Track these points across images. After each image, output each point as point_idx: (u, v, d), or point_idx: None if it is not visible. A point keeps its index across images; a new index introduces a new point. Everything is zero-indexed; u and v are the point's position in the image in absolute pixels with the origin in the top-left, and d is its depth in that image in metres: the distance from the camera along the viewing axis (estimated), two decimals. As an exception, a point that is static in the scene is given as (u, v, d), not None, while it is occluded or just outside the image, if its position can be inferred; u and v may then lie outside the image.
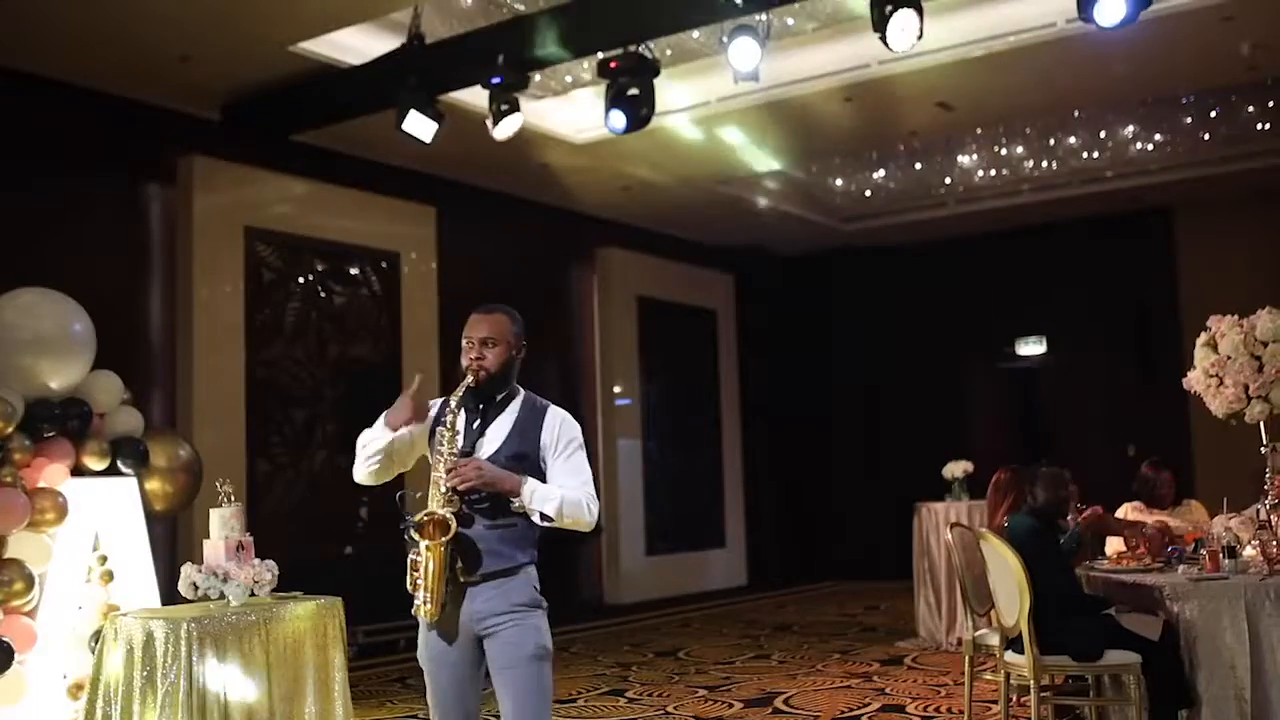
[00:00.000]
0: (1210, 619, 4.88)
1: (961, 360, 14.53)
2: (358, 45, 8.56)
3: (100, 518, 6.04)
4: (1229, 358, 5.42)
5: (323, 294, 10.21)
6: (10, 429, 5.80)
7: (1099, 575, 5.69)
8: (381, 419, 3.92)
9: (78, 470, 6.09)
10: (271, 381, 9.68)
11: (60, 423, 6.05)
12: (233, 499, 5.12)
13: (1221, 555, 5.21)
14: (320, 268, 10.21)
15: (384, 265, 10.71)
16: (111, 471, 6.24)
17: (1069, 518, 6.02)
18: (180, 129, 9.21)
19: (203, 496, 6.47)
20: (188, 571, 4.93)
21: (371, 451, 3.93)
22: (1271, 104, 11.02)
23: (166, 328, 9.10)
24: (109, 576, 5.86)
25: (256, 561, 5.00)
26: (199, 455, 6.90)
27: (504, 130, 8.10)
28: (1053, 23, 8.33)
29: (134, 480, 6.31)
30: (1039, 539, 5.47)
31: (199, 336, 9.08)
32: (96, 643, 5.05)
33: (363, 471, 3.96)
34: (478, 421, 3.91)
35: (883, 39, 6.82)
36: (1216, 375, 5.51)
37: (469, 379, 3.90)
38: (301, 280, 10.06)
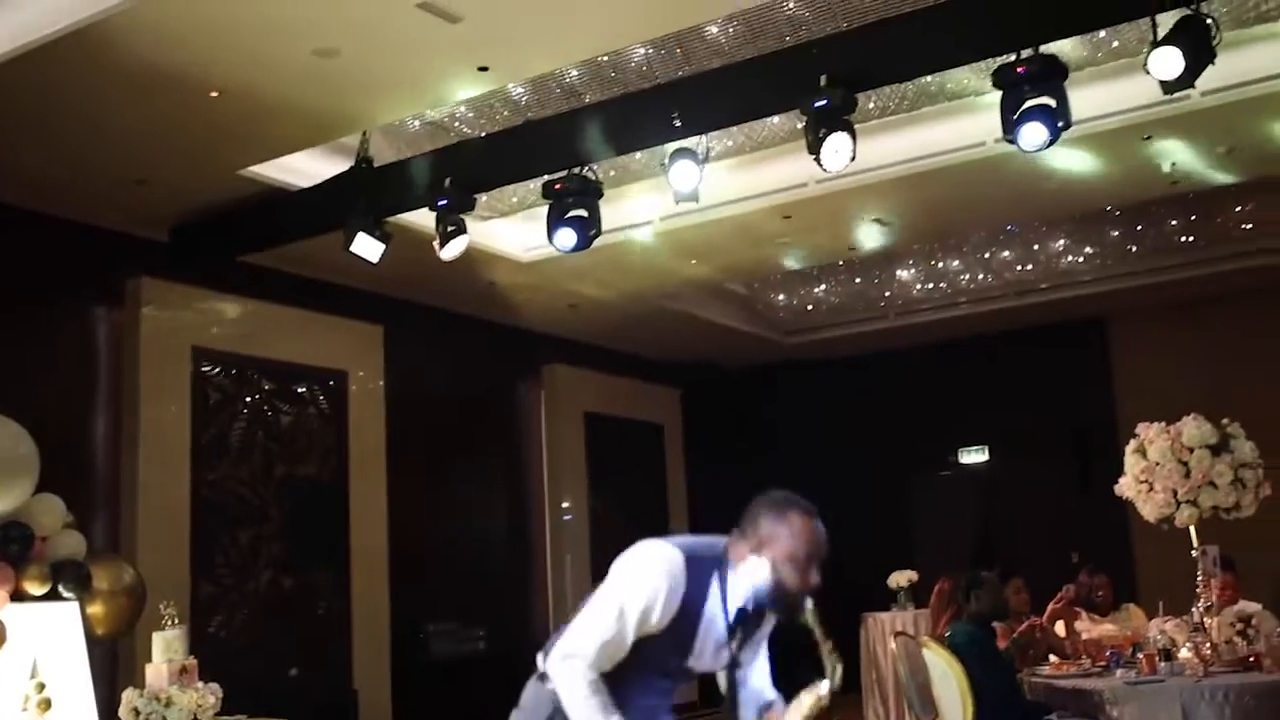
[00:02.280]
0: (1148, 721, 4.96)
1: (905, 470, 14.67)
2: (307, 168, 8.70)
3: (39, 644, 5.96)
4: (1157, 464, 5.57)
5: (269, 413, 10.21)
6: (-49, 553, 5.75)
7: (1040, 681, 5.77)
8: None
9: (17, 595, 6.03)
10: (217, 502, 9.61)
11: (0, 546, 6.00)
12: (176, 621, 5.10)
13: (1158, 658, 5.31)
14: (267, 387, 10.22)
15: (331, 384, 10.73)
16: (52, 596, 6.18)
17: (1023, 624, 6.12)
18: (129, 251, 9.26)
19: (145, 619, 6.42)
20: (129, 697, 4.90)
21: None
22: (1194, 217, 11.41)
23: (111, 449, 9.05)
24: (46, 705, 5.77)
25: (200, 685, 4.98)
26: (142, 578, 6.85)
27: (451, 251, 8.22)
28: (982, 142, 8.61)
29: (75, 605, 6.25)
30: (980, 646, 5.54)
31: (144, 457, 9.03)
32: (35, 770, 4.98)
33: (561, 700, 3.15)
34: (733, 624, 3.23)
35: (817, 161, 7.04)
36: (1147, 481, 5.66)
37: (800, 613, 3.18)
38: (248, 400, 10.06)
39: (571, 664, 3.08)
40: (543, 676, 3.21)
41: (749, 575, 3.14)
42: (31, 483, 6.27)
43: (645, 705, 3.12)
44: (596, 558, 13.40)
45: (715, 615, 3.17)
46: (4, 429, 6.24)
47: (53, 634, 6.06)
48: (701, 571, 3.14)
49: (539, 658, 3.27)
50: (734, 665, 3.26)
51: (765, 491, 3.32)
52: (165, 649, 4.97)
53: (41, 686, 5.80)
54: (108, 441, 9.05)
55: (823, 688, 3.12)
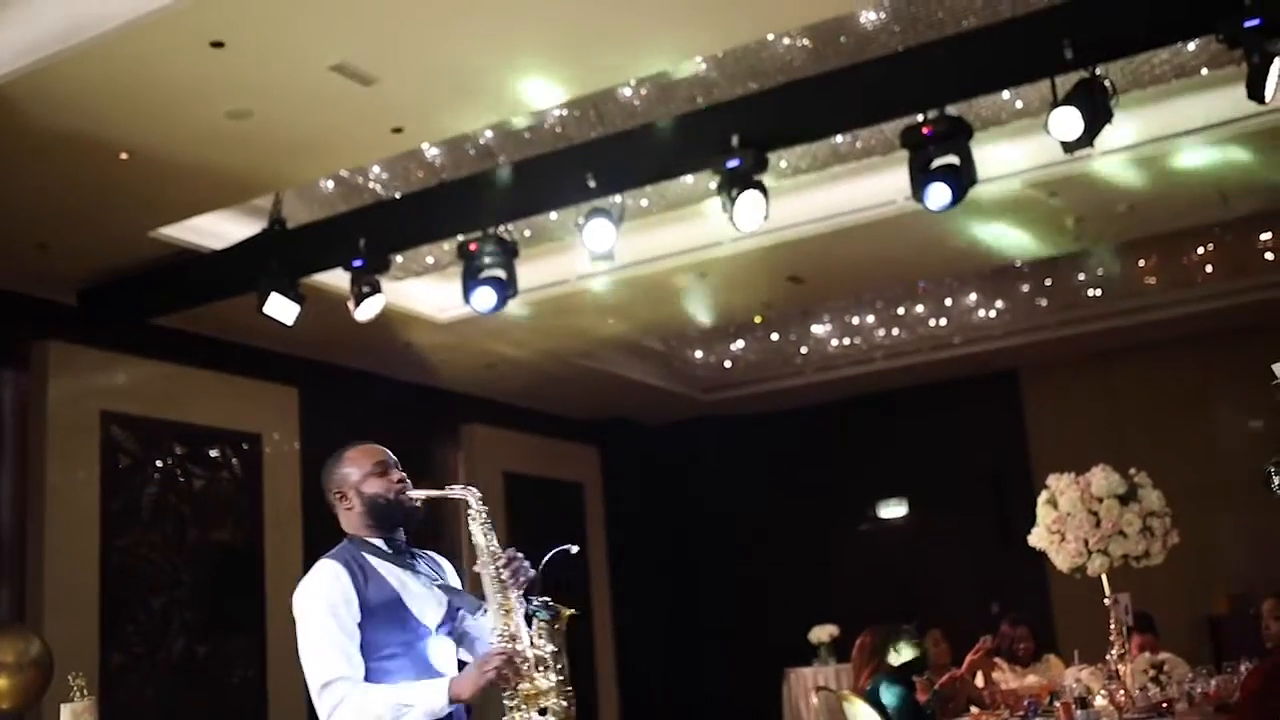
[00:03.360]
0: (1066, 770, 5.01)
1: (825, 524, 14.74)
2: (219, 230, 8.63)
3: (-58, 719, 5.79)
4: (1068, 514, 5.68)
5: (181, 478, 10.03)
6: None
7: (961, 733, 5.81)
8: (443, 692, 3.23)
9: (-81, 669, 5.86)
10: (127, 569, 9.40)
11: (-98, 619, 5.83)
12: (86, 693, 4.99)
13: (1074, 707, 5.38)
14: (179, 451, 10.04)
15: (244, 447, 10.58)
16: (-45, 670, 6.02)
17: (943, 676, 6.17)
18: (34, 314, 9.10)
19: (53, 691, 6.26)
20: (36, 770, 4.76)
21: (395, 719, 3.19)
22: (1100, 271, 11.70)
23: (16, 515, 8.83)
24: (-50, 781, 5.60)
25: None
26: (50, 649, 6.68)
27: (366, 312, 8.19)
28: (892, 200, 8.78)
29: (-21, 678, 6.08)
30: (902, 699, 5.58)
31: (51, 523, 8.82)
32: None
33: None
34: (411, 564, 3.53)
35: (731, 219, 7.14)
36: (1058, 531, 5.76)
37: (410, 504, 3.53)
38: (160, 464, 9.87)
39: (328, 691, 3.21)
40: None
41: (361, 521, 3.49)
42: (-67, 553, 6.11)
43: (399, 666, 3.30)
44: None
45: (402, 577, 3.45)
46: (-96, 498, 6.09)
47: (-45, 709, 5.89)
48: (353, 558, 3.41)
49: None
50: (452, 607, 3.54)
51: None
52: (73, 722, 4.85)
53: (-57, 764, 5.63)
54: (13, 508, 8.83)
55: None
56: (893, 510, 14.80)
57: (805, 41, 7.34)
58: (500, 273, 7.99)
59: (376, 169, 8.48)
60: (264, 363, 10.56)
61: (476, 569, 3.46)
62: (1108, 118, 6.51)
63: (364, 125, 7.07)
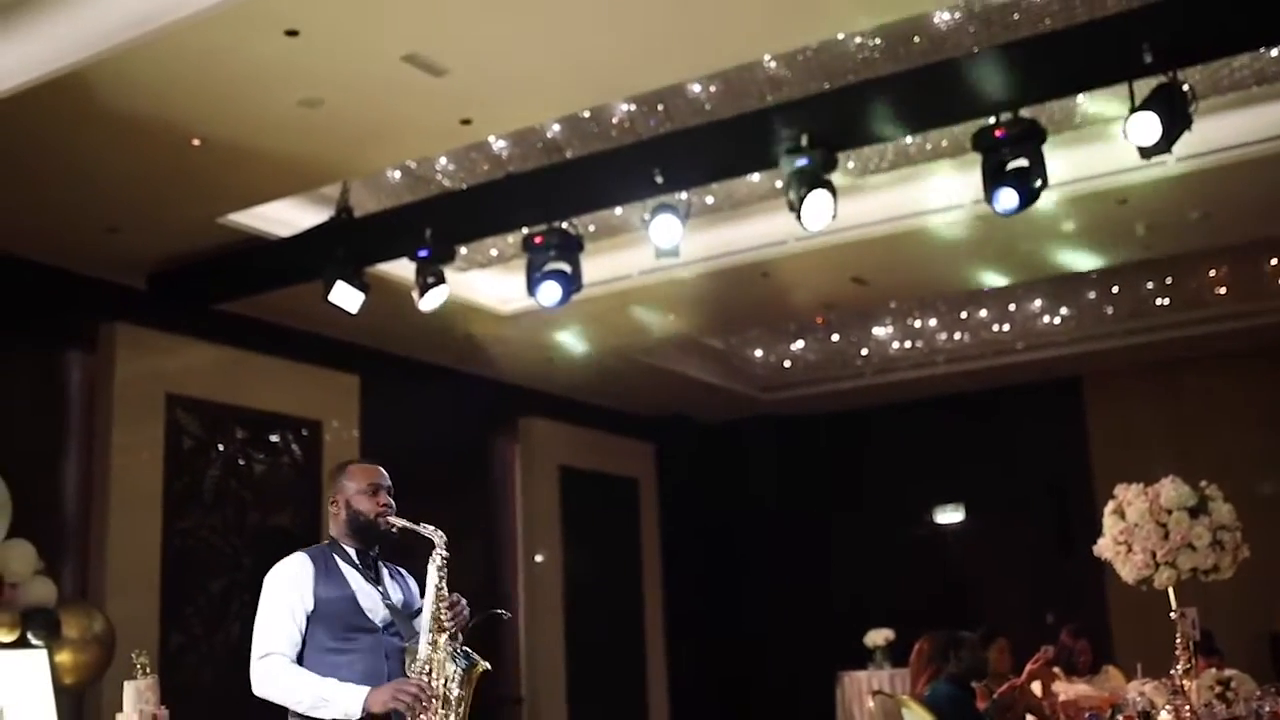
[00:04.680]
0: (1128, 785, 4.93)
1: (881, 528, 14.64)
2: (286, 217, 8.70)
3: (7, 692, 5.88)
4: (1136, 525, 5.58)
5: (243, 462, 10.13)
6: (-82, 600, 5.68)
7: (1019, 742, 5.74)
8: (359, 699, 3.57)
9: (-14, 642, 5.96)
10: (188, 551, 9.52)
11: (-30, 593, 5.93)
12: (148, 671, 5.04)
13: (1137, 720, 5.29)
14: (241, 435, 10.15)
15: (305, 433, 10.67)
16: (21, 643, 6.11)
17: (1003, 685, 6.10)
18: (104, 297, 9.21)
19: (115, 669, 6.34)
20: (98, 747, 4.82)
21: (310, 711, 3.60)
22: (1169, 280, 11.52)
23: (82, 495, 8.96)
24: (13, 754, 5.69)
25: (169, 738, 4.91)
26: (112, 626, 6.78)
27: (430, 302, 8.23)
28: (960, 204, 8.70)
29: (44, 653, 6.18)
30: (960, 706, 5.52)
31: (115, 504, 8.94)
32: (-2, 823, 4.89)
33: (272, 698, 3.71)
34: (374, 576, 3.95)
35: (798, 219, 7.09)
36: (1125, 542, 5.66)
37: (385, 526, 3.98)
38: (222, 448, 9.98)
39: (264, 662, 3.64)
40: None
41: (343, 529, 3.96)
42: (3, 529, 6.21)
43: (339, 663, 3.66)
44: (570, 611, 13.32)
45: (361, 583, 3.86)
46: (-25, 474, 6.19)
47: (20, 682, 5.98)
48: (322, 557, 3.87)
49: None
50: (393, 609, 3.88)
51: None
52: (136, 698, 4.90)
53: (7, 736, 5.72)
54: (79, 487, 8.96)
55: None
56: (950, 516, 14.68)
57: (877, 40, 7.28)
58: (564, 266, 8.01)
59: (444, 160, 8.50)
60: (327, 350, 10.64)
61: (421, 604, 3.86)
62: (1187, 124, 6.40)
63: (433, 116, 7.09)
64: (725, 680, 14.98)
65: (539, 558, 13.11)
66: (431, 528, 3.94)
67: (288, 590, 3.73)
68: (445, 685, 3.67)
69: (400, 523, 3.98)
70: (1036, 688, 6.62)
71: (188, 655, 9.38)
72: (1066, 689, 6.59)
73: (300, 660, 3.70)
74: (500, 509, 13.11)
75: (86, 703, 7.99)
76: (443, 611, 3.77)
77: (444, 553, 3.89)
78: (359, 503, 3.96)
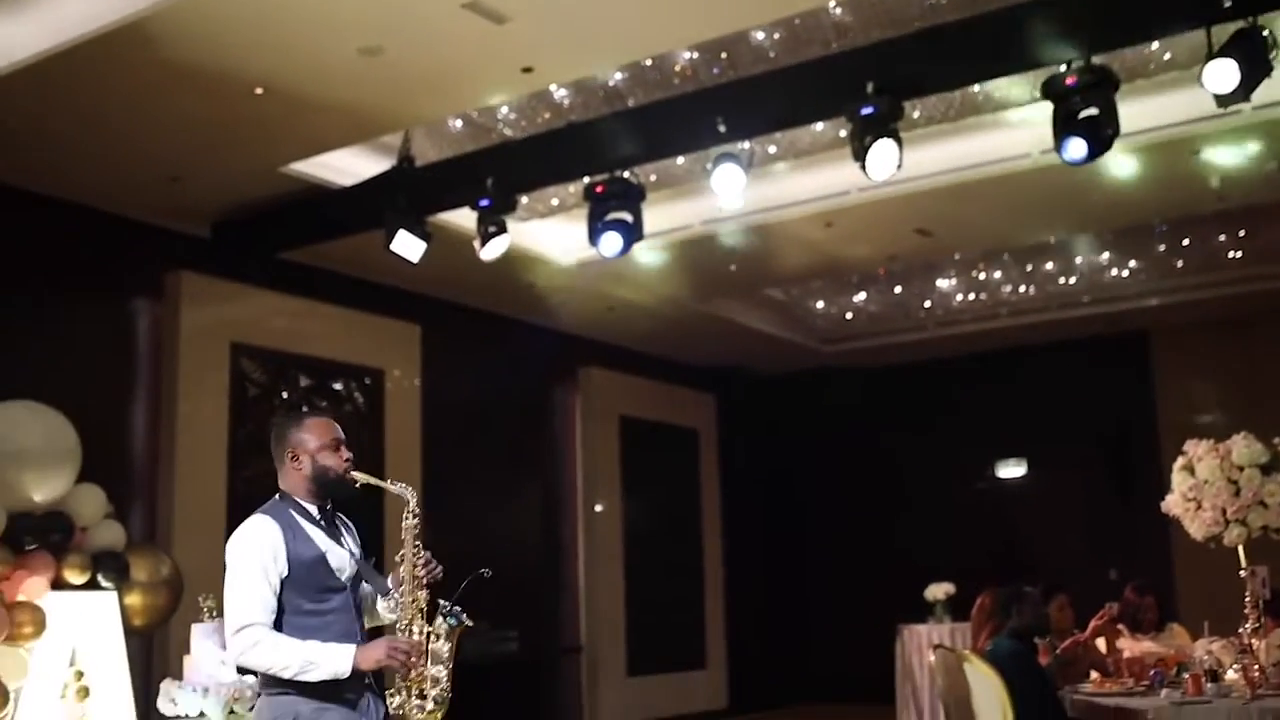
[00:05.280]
0: (1194, 743, 4.87)
1: (942, 482, 14.56)
2: (348, 166, 8.72)
3: (78, 632, 5.99)
4: (1206, 482, 5.49)
5: (306, 410, 10.22)
6: (-8, 542, 5.79)
7: (1082, 699, 5.68)
8: (349, 658, 3.52)
9: (58, 584, 6.07)
10: (253, 497, 9.50)
11: (42, 536, 6.04)
12: (214, 614, 5.10)
13: (1204, 679, 5.22)
14: (304, 383, 10.25)
15: (367, 382, 10.75)
16: (91, 586, 6.21)
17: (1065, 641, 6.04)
18: (169, 245, 9.30)
19: (182, 611, 6.44)
20: (167, 688, 4.90)
21: (298, 676, 3.48)
22: (1242, 233, 11.27)
23: (150, 441, 9.09)
24: (85, 693, 5.80)
25: (237, 678, 4.97)
26: (180, 570, 6.88)
27: (491, 252, 8.22)
28: (1028, 153, 8.54)
29: (114, 595, 6.28)
30: (1022, 661, 5.47)
31: (182, 450, 9.07)
32: (71, 760, 4.99)
33: (258, 668, 3.55)
34: (335, 532, 3.78)
35: (863, 168, 6.99)
36: (1194, 499, 5.58)
37: (352, 483, 3.81)
38: (285, 395, 10.08)
39: (244, 634, 3.48)
40: (268, 692, 3.56)
41: (303, 483, 3.75)
42: (73, 473, 6.31)
43: (315, 625, 3.57)
44: (630, 561, 13.37)
45: (326, 541, 3.70)
46: (47, 420, 6.28)
47: (91, 623, 6.09)
48: (285, 517, 3.67)
49: (259, 675, 3.61)
50: (358, 571, 3.78)
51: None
52: (203, 641, 4.97)
53: (80, 674, 5.83)
54: (146, 434, 9.09)
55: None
56: (1011, 470, 14.57)
57: (945, -14, 7.14)
58: (626, 216, 7.96)
59: (505, 109, 8.47)
60: (388, 299, 10.70)
61: (399, 560, 3.75)
62: (1266, 71, 6.21)
63: (494, 64, 7.05)
64: (784, 632, 15.03)
65: (598, 508, 13.16)
66: (400, 485, 3.82)
67: (260, 555, 3.56)
68: (431, 640, 3.65)
69: (367, 479, 3.83)
70: (1100, 644, 6.56)
71: (253, 599, 9.50)
72: (1131, 646, 6.51)
73: (277, 626, 3.56)
74: (560, 459, 13.16)
75: (156, 644, 8.15)
76: (419, 568, 3.72)
77: (415, 510, 3.80)
78: (325, 458, 3.74)
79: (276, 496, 3.79)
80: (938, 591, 9.65)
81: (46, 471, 6.12)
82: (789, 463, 15.48)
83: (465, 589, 3.73)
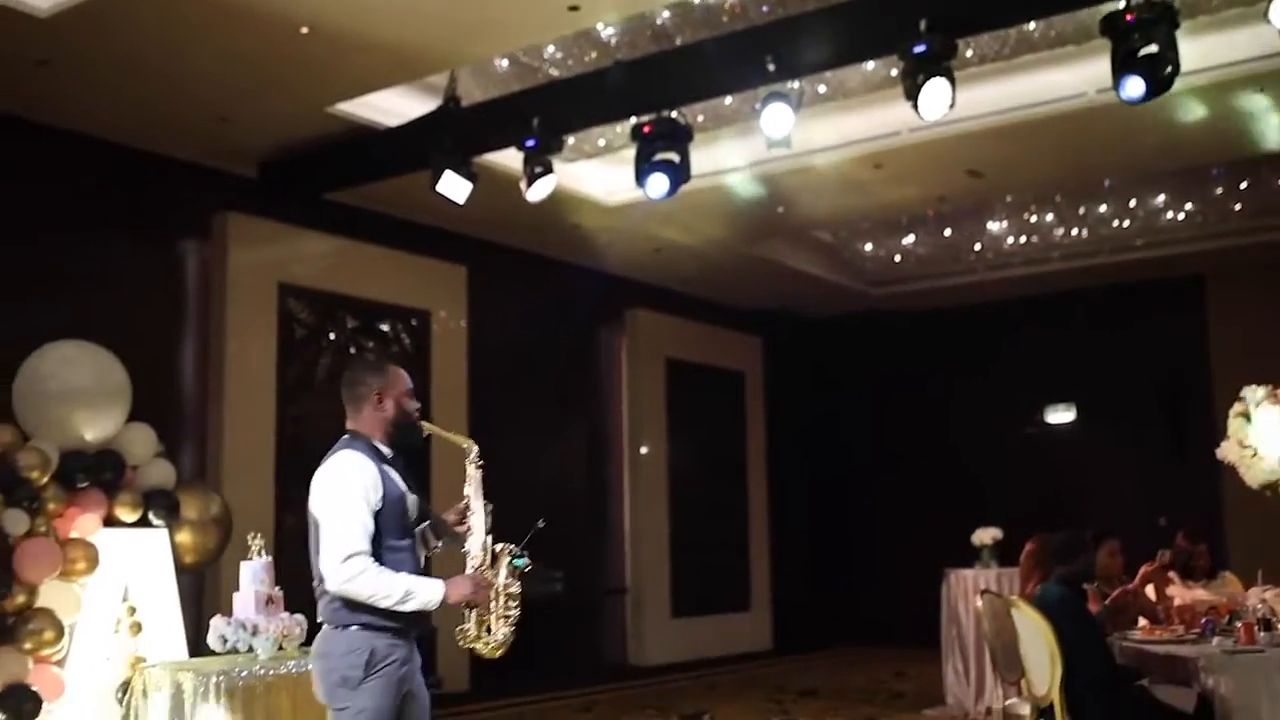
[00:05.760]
0: (1247, 692, 4.82)
1: (990, 427, 14.46)
2: (394, 107, 8.68)
3: (130, 569, 6.07)
4: (1263, 429, 5.40)
5: (353, 350, 10.28)
6: (45, 479, 5.85)
7: (1131, 646, 5.63)
8: (440, 590, 3.68)
9: (109, 521, 6.14)
10: (301, 437, 9.70)
11: (94, 474, 6.10)
12: (263, 552, 5.14)
13: (1257, 628, 5.16)
14: (351, 324, 10.29)
15: (414, 323, 10.78)
16: (142, 523, 6.28)
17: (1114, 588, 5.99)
18: (217, 186, 9.33)
19: (232, 550, 6.50)
20: (217, 624, 4.95)
21: (396, 606, 3.62)
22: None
23: (199, 381, 9.17)
24: (138, 628, 5.88)
25: (285, 615, 5.02)
26: (229, 508, 6.94)
27: (537, 192, 8.18)
28: (1083, 92, 8.37)
29: (165, 532, 6.35)
30: (1070, 607, 5.42)
31: (231, 390, 9.14)
32: (124, 694, 5.06)
33: (360, 596, 3.63)
34: (403, 476, 3.90)
35: (915, 108, 6.88)
36: (1251, 447, 5.48)
37: (421, 435, 3.98)
38: (333, 336, 10.13)
39: (352, 562, 3.57)
40: (335, 627, 3.68)
41: (383, 426, 3.86)
42: (123, 412, 6.36)
43: (398, 560, 3.70)
44: (675, 503, 13.39)
45: (400, 483, 3.82)
46: (98, 359, 6.32)
47: (143, 560, 6.16)
48: (372, 455, 3.78)
49: (325, 609, 3.74)
50: (423, 513, 3.98)
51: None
52: (252, 579, 5.02)
53: (133, 610, 5.91)
54: (196, 374, 9.17)
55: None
56: (1061, 416, 14.44)
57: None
58: (673, 156, 7.88)
59: (551, 49, 8.38)
60: (434, 241, 10.69)
61: (464, 506, 3.96)
62: (1334, 6, 6.04)
63: (540, 2, 6.97)
64: (829, 574, 15.03)
65: (644, 450, 13.17)
66: (464, 440, 4.03)
67: (361, 488, 3.66)
68: (505, 580, 3.86)
69: (433, 429, 4.06)
70: (1150, 591, 6.50)
71: (301, 538, 9.59)
72: (1182, 593, 6.45)
73: None
74: (606, 401, 13.17)
75: (207, 582, 8.25)
76: (488, 516, 3.91)
77: (479, 460, 3.99)
78: (406, 403, 3.89)
79: (348, 436, 3.86)
80: (985, 536, 9.57)
81: (97, 410, 6.17)
82: (835, 406, 15.41)
83: (528, 537, 3.96)
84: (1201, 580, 6.63)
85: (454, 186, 8.24)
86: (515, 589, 3.87)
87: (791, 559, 14.95)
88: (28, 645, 5.65)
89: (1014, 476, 13.99)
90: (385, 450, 3.84)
